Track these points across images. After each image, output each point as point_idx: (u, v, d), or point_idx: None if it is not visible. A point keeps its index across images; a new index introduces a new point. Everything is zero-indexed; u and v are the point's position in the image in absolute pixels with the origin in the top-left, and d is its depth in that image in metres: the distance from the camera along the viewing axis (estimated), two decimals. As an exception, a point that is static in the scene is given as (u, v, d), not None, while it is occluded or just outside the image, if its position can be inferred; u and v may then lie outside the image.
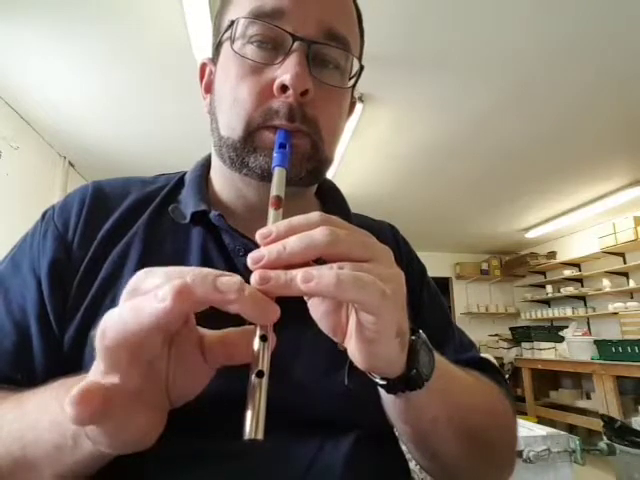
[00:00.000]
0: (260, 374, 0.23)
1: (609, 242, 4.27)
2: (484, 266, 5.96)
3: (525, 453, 1.31)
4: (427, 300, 0.56)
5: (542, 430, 1.43)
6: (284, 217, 0.30)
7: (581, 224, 4.66)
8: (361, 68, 0.48)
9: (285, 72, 0.40)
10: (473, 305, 5.80)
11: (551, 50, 1.97)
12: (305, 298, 0.31)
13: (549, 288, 5.26)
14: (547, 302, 5.44)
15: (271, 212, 0.32)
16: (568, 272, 4.97)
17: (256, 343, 0.25)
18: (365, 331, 0.27)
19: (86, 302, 0.41)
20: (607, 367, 3.40)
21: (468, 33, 1.87)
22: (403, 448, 0.48)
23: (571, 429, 3.81)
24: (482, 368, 0.50)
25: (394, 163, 3.25)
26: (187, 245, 0.46)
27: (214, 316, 0.25)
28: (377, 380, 0.32)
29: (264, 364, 0.24)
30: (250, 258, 0.26)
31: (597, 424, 3.12)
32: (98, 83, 2.25)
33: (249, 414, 0.22)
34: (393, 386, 0.32)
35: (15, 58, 2.03)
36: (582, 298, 4.90)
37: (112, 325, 0.23)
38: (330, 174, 0.58)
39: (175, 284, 0.21)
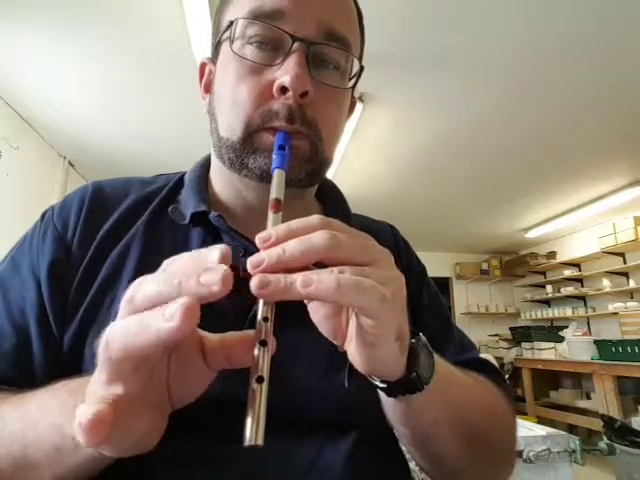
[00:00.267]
0: (260, 379, 0.23)
1: (609, 242, 4.27)
2: (484, 266, 5.96)
3: (525, 453, 1.31)
4: (427, 301, 0.56)
5: (542, 430, 1.43)
6: (284, 218, 0.30)
7: (581, 224, 4.66)
8: (361, 68, 0.47)
9: (285, 73, 0.40)
10: (473, 305, 5.80)
11: (551, 50, 1.97)
12: (305, 301, 0.30)
13: (549, 288, 5.26)
14: (547, 302, 5.44)
15: (270, 215, 0.32)
16: (568, 272, 4.97)
17: (256, 348, 0.24)
18: (365, 334, 0.27)
19: (86, 303, 0.41)
20: (607, 367, 3.40)
21: (468, 33, 1.87)
22: (403, 449, 0.48)
23: (571, 429, 3.81)
24: (482, 369, 0.50)
25: (394, 163, 3.25)
26: (186, 245, 0.46)
27: (213, 314, 0.25)
28: (377, 383, 0.32)
29: (264, 369, 0.24)
30: (250, 262, 0.25)
31: (597, 424, 3.12)
32: (98, 83, 2.25)
33: (249, 420, 0.22)
34: (393, 389, 0.32)
35: (15, 58, 2.03)
36: (582, 298, 4.90)
37: (117, 338, 0.23)
38: (330, 174, 0.58)
39: (183, 303, 0.21)
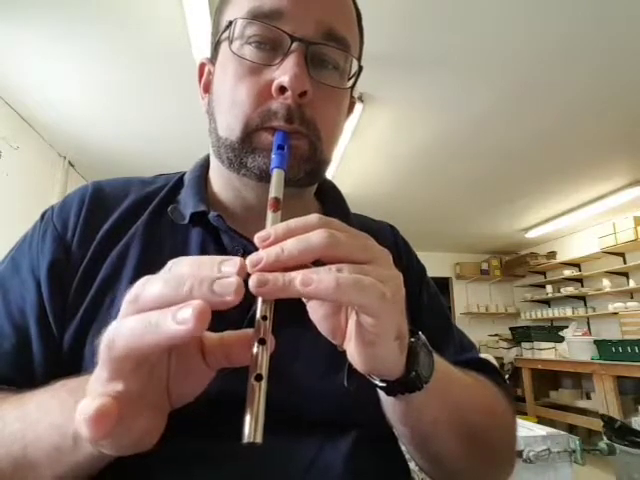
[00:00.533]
0: (259, 378, 0.23)
1: (609, 242, 4.27)
2: (484, 266, 5.96)
3: (525, 453, 1.31)
4: (427, 300, 0.56)
5: (542, 430, 1.43)
6: (283, 218, 0.30)
7: (581, 224, 4.66)
8: (360, 69, 0.48)
9: (283, 73, 0.40)
10: (473, 305, 5.80)
11: (551, 50, 1.97)
12: (304, 300, 0.31)
13: (549, 288, 5.26)
14: (547, 302, 5.44)
15: (269, 214, 0.32)
16: (568, 272, 4.97)
17: (255, 346, 0.24)
18: (365, 333, 0.27)
19: (85, 302, 0.41)
20: (607, 367, 3.40)
21: (468, 33, 1.87)
22: (403, 448, 0.48)
23: (571, 429, 3.81)
24: (482, 369, 0.50)
25: (394, 163, 3.25)
26: (186, 245, 0.46)
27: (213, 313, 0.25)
28: (377, 382, 0.32)
29: (262, 368, 0.24)
30: (249, 261, 0.25)
31: (597, 424, 3.12)
32: (98, 83, 2.25)
33: (247, 418, 0.22)
34: (393, 388, 0.32)
35: (15, 58, 2.03)
36: (582, 298, 4.90)
37: (122, 337, 0.23)
38: (330, 174, 0.58)
39: (197, 307, 0.21)
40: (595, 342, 3.66)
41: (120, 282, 0.42)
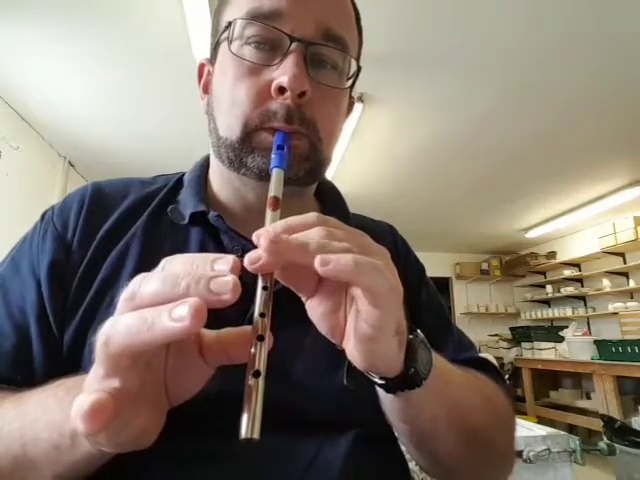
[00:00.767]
0: (257, 374, 0.23)
1: (609, 242, 4.27)
2: (484, 266, 5.96)
3: (525, 453, 1.31)
4: (426, 300, 0.56)
5: (542, 430, 1.43)
6: (283, 217, 0.30)
7: (581, 224, 4.66)
8: (359, 69, 0.48)
9: (283, 73, 0.40)
10: (473, 305, 5.80)
11: (551, 50, 1.97)
12: (303, 299, 0.31)
13: (549, 288, 5.26)
14: (547, 302, 5.44)
15: (268, 213, 0.32)
16: (568, 272, 4.97)
17: (253, 343, 0.25)
18: (365, 329, 0.27)
19: (85, 302, 0.41)
20: (607, 367, 3.40)
21: (468, 33, 1.87)
22: (403, 448, 0.48)
23: (571, 429, 3.81)
24: (481, 368, 0.50)
25: (394, 163, 3.25)
26: (186, 246, 0.46)
27: (211, 311, 0.25)
28: (376, 379, 0.33)
29: (261, 364, 0.24)
30: (247, 258, 0.26)
31: (597, 424, 3.12)
32: (98, 83, 2.25)
33: (245, 414, 0.22)
34: (392, 385, 0.32)
35: (15, 58, 2.03)
36: (582, 298, 4.90)
37: (118, 334, 0.23)
38: (329, 174, 0.59)
39: (193, 305, 0.21)
40: (595, 342, 3.66)
41: (120, 282, 0.42)
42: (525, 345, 4.59)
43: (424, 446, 0.41)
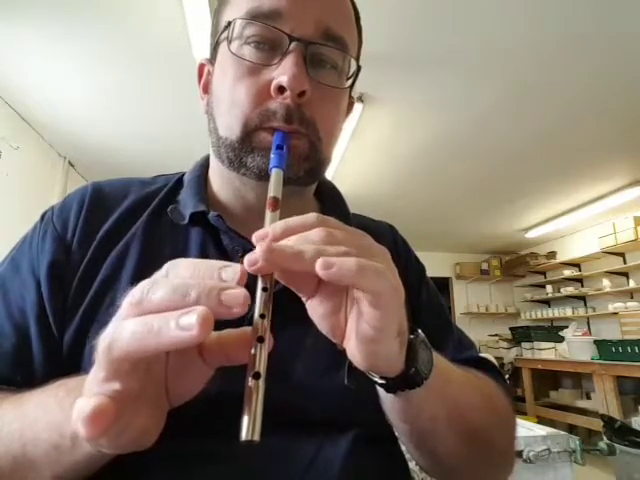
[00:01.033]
0: (257, 376, 0.23)
1: (609, 242, 4.27)
2: (484, 266, 5.96)
3: (525, 453, 1.31)
4: (426, 299, 0.56)
5: (542, 430, 1.43)
6: (282, 217, 0.30)
7: (581, 224, 4.66)
8: (358, 68, 0.48)
9: (282, 73, 0.40)
10: (473, 305, 5.80)
11: (551, 50, 1.97)
12: (304, 299, 0.31)
13: (549, 288, 5.26)
14: (547, 302, 5.44)
15: (268, 213, 0.32)
16: (568, 272, 4.97)
17: (253, 345, 0.25)
18: (366, 330, 0.27)
19: (85, 303, 0.41)
20: (607, 367, 3.40)
21: (468, 33, 1.87)
22: (403, 448, 0.48)
23: (571, 429, 3.81)
24: (481, 367, 0.50)
25: (394, 163, 3.25)
26: (186, 246, 0.46)
27: None
28: (376, 379, 0.33)
29: (261, 366, 0.24)
30: (246, 260, 0.26)
31: (597, 424, 3.12)
32: (98, 83, 2.25)
33: (245, 416, 0.22)
34: (392, 385, 0.32)
35: (15, 58, 2.03)
36: (582, 298, 4.90)
37: (122, 340, 0.23)
38: (329, 174, 0.59)
39: (202, 314, 0.21)
40: (595, 342, 3.66)
41: (120, 282, 0.42)
42: (525, 345, 4.59)
43: (424, 446, 0.41)
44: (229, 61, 0.44)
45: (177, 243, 0.46)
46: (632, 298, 4.29)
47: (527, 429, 1.45)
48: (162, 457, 0.33)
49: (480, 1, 1.69)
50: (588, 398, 4.00)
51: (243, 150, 0.43)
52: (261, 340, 0.25)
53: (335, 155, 0.54)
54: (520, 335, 4.76)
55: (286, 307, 0.32)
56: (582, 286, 4.93)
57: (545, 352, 4.31)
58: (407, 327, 0.31)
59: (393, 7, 1.72)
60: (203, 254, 0.45)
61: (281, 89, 0.41)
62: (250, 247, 0.27)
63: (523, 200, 4.02)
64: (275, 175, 0.36)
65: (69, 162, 3.12)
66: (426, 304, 0.55)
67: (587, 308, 4.76)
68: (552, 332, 4.45)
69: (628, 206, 3.98)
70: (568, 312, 4.80)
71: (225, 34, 0.44)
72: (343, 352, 0.31)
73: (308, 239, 0.26)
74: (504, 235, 5.24)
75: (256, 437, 0.21)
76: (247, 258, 0.25)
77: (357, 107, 2.34)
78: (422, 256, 0.62)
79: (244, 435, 0.21)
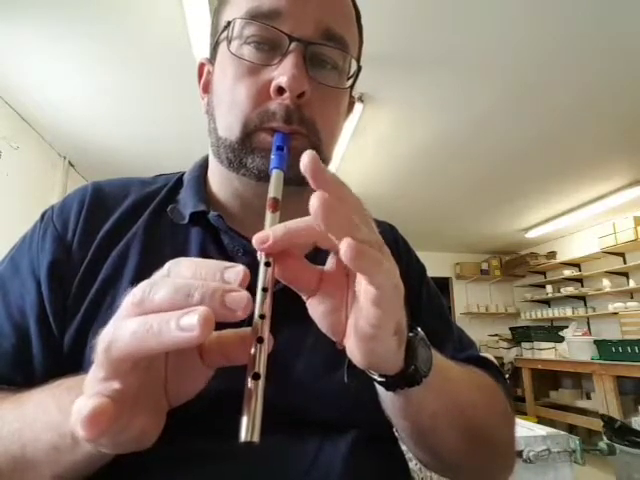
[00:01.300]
0: (256, 376, 0.23)
1: (609, 242, 4.27)
2: (484, 266, 5.96)
3: (525, 453, 1.31)
4: (426, 299, 0.56)
5: (542, 430, 1.43)
6: (283, 217, 0.30)
7: (581, 224, 4.66)
8: (359, 69, 0.48)
9: (282, 74, 0.40)
10: (473, 305, 5.80)
11: (551, 50, 1.97)
12: (304, 298, 0.31)
13: (549, 288, 5.26)
14: (547, 302, 5.43)
15: (268, 215, 0.32)
16: (568, 272, 4.97)
17: (252, 345, 0.24)
18: (365, 328, 0.27)
19: (86, 302, 0.41)
20: (607, 367, 3.40)
21: (468, 33, 1.87)
22: (403, 448, 0.48)
23: (571, 429, 3.81)
24: (481, 366, 0.50)
25: (394, 163, 3.25)
26: (186, 245, 0.46)
27: None
28: (375, 377, 0.33)
29: (260, 366, 0.24)
30: (256, 238, 0.26)
31: (597, 424, 3.12)
32: (98, 83, 2.25)
33: (245, 417, 0.22)
34: (391, 383, 0.33)
35: (15, 58, 2.03)
36: (582, 298, 4.90)
37: (122, 340, 0.22)
38: (329, 174, 0.58)
39: (203, 314, 0.21)
40: (595, 342, 3.66)
41: (121, 282, 0.42)
42: (525, 345, 4.59)
43: (424, 443, 0.41)
44: (229, 61, 0.44)
45: (177, 243, 0.46)
46: (632, 298, 4.28)
47: (527, 429, 1.45)
48: (162, 457, 0.33)
49: (480, 1, 1.69)
50: (588, 398, 4.00)
51: (243, 151, 0.43)
52: (261, 341, 0.25)
53: (335, 155, 0.54)
54: (520, 335, 4.76)
55: (286, 307, 0.32)
56: (582, 286, 4.93)
57: (545, 352, 4.31)
58: (406, 325, 0.31)
59: (393, 7, 1.72)
60: (203, 254, 0.45)
61: (280, 90, 0.41)
62: (250, 247, 0.27)
63: (523, 200, 4.02)
64: (275, 176, 0.36)
65: (69, 162, 3.11)
66: (426, 304, 0.55)
67: (587, 308, 4.76)
68: (552, 332, 4.45)
69: (628, 206, 3.97)
70: (568, 312, 4.80)
71: (225, 34, 0.44)
72: (343, 351, 0.31)
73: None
74: (504, 235, 5.23)
75: (255, 438, 0.21)
76: (256, 236, 0.26)
77: (357, 107, 2.34)
78: (422, 256, 0.62)
79: (243, 436, 0.21)
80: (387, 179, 3.55)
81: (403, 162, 3.22)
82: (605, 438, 2.44)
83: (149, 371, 0.25)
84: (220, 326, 0.26)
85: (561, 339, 4.18)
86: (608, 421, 2.57)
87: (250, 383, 0.23)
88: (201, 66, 0.51)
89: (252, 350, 0.24)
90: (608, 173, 3.40)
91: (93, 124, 2.66)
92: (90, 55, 2.02)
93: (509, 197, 3.95)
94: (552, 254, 5.30)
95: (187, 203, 0.48)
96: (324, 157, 0.46)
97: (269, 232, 0.27)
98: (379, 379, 0.33)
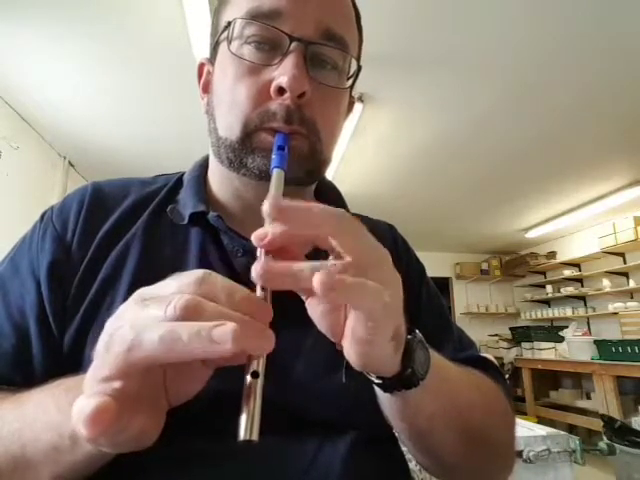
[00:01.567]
0: (255, 375, 0.23)
1: (609, 242, 4.27)
2: (484, 266, 5.96)
3: (525, 453, 1.31)
4: (426, 299, 0.56)
5: (542, 430, 1.43)
6: None
7: (581, 224, 4.66)
8: (359, 68, 0.48)
9: (282, 74, 0.40)
10: (473, 305, 5.80)
11: (551, 50, 1.97)
12: (303, 297, 0.31)
13: (549, 288, 5.26)
14: (547, 302, 5.43)
15: None
16: (568, 272, 4.97)
17: None
18: (361, 333, 0.27)
19: (85, 303, 0.41)
20: (607, 367, 3.40)
21: (468, 33, 1.87)
22: (403, 449, 0.48)
23: (571, 429, 3.81)
24: (481, 366, 0.50)
25: (394, 163, 3.25)
26: (186, 246, 0.46)
27: None
28: (373, 379, 0.33)
29: (259, 365, 0.24)
30: (254, 237, 0.26)
31: (597, 424, 3.12)
32: (98, 83, 2.25)
33: (244, 415, 0.22)
34: (389, 385, 0.33)
35: (15, 58, 2.03)
36: (582, 298, 4.90)
37: (150, 344, 0.22)
38: (330, 174, 0.59)
39: (235, 330, 0.22)
40: (595, 342, 3.66)
41: (120, 282, 0.42)
42: (525, 345, 4.59)
43: (423, 444, 0.41)
44: (229, 61, 0.44)
45: (177, 243, 0.46)
46: (632, 298, 4.28)
47: (527, 429, 1.45)
48: (161, 457, 0.33)
49: (480, 1, 1.69)
50: (588, 398, 4.00)
51: (243, 151, 0.43)
52: None
53: (335, 155, 0.54)
54: (520, 335, 4.76)
55: (286, 307, 0.32)
56: (582, 286, 4.93)
57: (545, 352, 4.31)
58: (404, 329, 0.31)
59: (393, 7, 1.72)
60: (203, 254, 0.45)
61: (281, 90, 0.41)
62: (250, 247, 0.27)
63: (523, 200, 4.02)
64: (276, 176, 0.36)
65: (69, 162, 3.11)
66: (426, 304, 0.55)
67: (587, 308, 4.76)
68: (552, 332, 4.45)
69: (628, 206, 3.97)
70: (568, 312, 4.80)
71: (225, 34, 0.44)
72: (342, 352, 0.31)
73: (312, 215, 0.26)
74: (504, 235, 5.23)
75: (254, 437, 0.21)
76: (255, 233, 0.26)
77: (357, 107, 2.34)
78: (422, 256, 0.62)
79: (242, 435, 0.21)
80: (387, 179, 3.55)
81: (403, 162, 3.22)
82: (605, 438, 2.44)
83: (149, 371, 0.25)
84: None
85: (561, 339, 4.18)
86: (608, 421, 2.57)
87: (249, 382, 0.23)
88: (201, 66, 0.51)
89: None
90: (608, 173, 3.40)
91: (93, 124, 2.66)
92: (90, 55, 2.02)
93: (509, 197, 3.95)
94: (552, 254, 5.30)
95: (187, 203, 0.48)
96: (324, 157, 0.46)
97: (268, 229, 0.27)
98: (376, 381, 0.33)
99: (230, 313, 0.24)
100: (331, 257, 0.28)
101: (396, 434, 0.47)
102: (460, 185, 3.67)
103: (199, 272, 0.26)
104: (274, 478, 0.37)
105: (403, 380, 0.32)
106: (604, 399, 3.36)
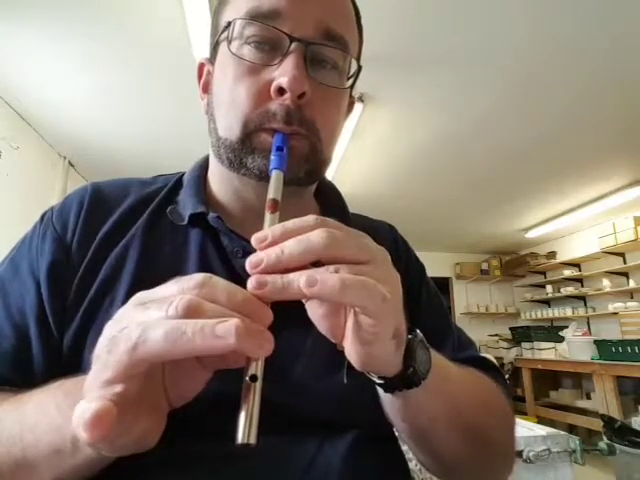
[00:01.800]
0: (253, 378, 0.23)
1: (609, 242, 4.27)
2: (484, 266, 5.96)
3: (525, 453, 1.31)
4: (426, 299, 0.56)
5: (542, 430, 1.43)
6: (282, 217, 0.30)
7: (581, 224, 4.65)
8: (359, 68, 0.47)
9: (282, 74, 0.40)
10: (473, 305, 5.80)
11: (551, 50, 1.97)
12: (303, 300, 0.31)
13: (549, 288, 5.25)
14: (547, 302, 5.43)
15: (267, 215, 0.32)
16: (568, 272, 4.97)
17: None
18: (362, 333, 0.27)
19: (85, 303, 0.41)
20: (607, 367, 3.40)
21: (468, 33, 1.87)
22: (404, 448, 0.48)
23: (571, 429, 3.81)
24: (481, 366, 0.50)
25: (394, 163, 3.25)
26: (185, 247, 0.46)
27: None
28: (374, 379, 0.33)
29: (258, 368, 0.24)
30: (249, 262, 0.26)
31: (597, 424, 3.12)
32: (98, 83, 2.25)
33: (242, 418, 0.22)
34: (390, 385, 0.33)
35: (15, 58, 2.03)
36: (582, 298, 4.90)
37: (155, 341, 0.22)
38: (330, 174, 0.59)
39: (237, 325, 0.22)
40: (595, 342, 3.66)
41: (120, 283, 0.42)
42: (525, 345, 4.59)
43: (424, 444, 0.41)
44: (229, 61, 0.44)
45: (177, 244, 0.46)
46: (632, 298, 4.28)
47: (527, 429, 1.45)
48: (161, 459, 0.33)
49: (480, 1, 1.69)
50: (588, 398, 4.00)
51: (243, 151, 0.43)
52: None
53: (335, 155, 0.54)
54: (520, 335, 4.76)
55: (286, 308, 0.32)
56: (582, 286, 4.93)
57: (545, 352, 4.31)
58: (405, 329, 0.31)
59: (393, 7, 1.72)
60: (203, 255, 0.45)
61: (281, 90, 0.41)
62: (250, 248, 0.27)
63: (523, 200, 4.01)
64: (275, 177, 0.36)
65: (69, 162, 3.11)
66: (426, 304, 0.55)
67: (587, 308, 4.76)
68: (552, 332, 4.45)
69: (628, 206, 3.97)
70: (568, 312, 4.80)
71: (225, 34, 0.44)
72: (343, 353, 0.31)
73: (309, 241, 0.26)
74: (504, 235, 5.23)
75: (252, 440, 0.21)
76: (249, 260, 0.26)
77: (357, 107, 2.34)
78: (422, 256, 0.62)
79: (240, 438, 0.21)
80: (387, 179, 3.55)
81: (403, 162, 3.22)
82: (605, 438, 2.44)
83: (149, 374, 0.25)
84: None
85: (561, 339, 4.18)
86: (608, 421, 2.57)
87: (247, 385, 0.23)
88: (201, 66, 0.51)
89: None
90: (608, 173, 3.40)
91: (93, 124, 2.66)
92: (90, 55, 2.02)
93: (509, 197, 3.95)
94: (552, 254, 5.30)
95: (186, 204, 0.48)
96: (324, 157, 0.46)
97: (268, 232, 0.27)
98: (378, 381, 0.33)
99: (231, 314, 0.24)
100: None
101: (396, 433, 0.47)
102: (460, 185, 3.67)
103: (200, 275, 0.26)
104: (274, 478, 0.37)
105: (405, 380, 0.32)
106: (604, 399, 3.36)
